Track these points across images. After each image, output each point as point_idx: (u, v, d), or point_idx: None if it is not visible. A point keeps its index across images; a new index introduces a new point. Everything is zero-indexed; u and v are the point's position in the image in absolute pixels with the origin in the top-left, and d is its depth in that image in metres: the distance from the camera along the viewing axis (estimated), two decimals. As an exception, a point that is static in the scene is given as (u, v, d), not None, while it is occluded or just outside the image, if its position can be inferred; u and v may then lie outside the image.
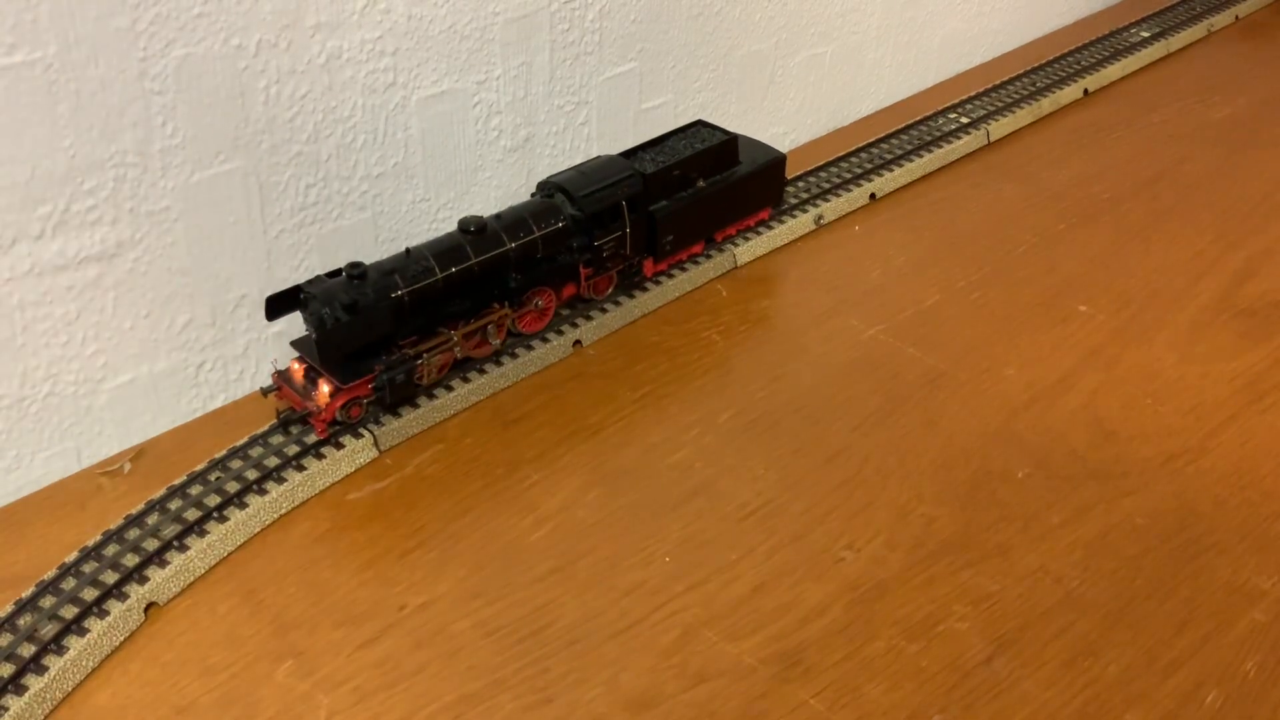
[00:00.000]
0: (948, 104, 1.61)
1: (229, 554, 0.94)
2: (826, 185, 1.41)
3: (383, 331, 1.01)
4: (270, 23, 1.02)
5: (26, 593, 0.87)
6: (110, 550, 0.91)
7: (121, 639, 0.86)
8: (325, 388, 0.99)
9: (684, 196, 1.21)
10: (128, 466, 1.04)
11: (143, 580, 0.89)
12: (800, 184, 1.41)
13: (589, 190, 1.13)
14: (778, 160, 1.30)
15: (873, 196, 1.42)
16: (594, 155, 1.36)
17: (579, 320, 1.17)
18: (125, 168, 0.99)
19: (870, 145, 1.50)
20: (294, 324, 1.04)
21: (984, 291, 1.26)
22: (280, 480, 0.98)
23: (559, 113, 1.30)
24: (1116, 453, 1.04)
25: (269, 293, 1.06)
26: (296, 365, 1.02)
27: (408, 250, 1.04)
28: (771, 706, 0.82)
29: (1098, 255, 1.32)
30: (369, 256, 1.19)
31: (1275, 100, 1.67)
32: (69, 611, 0.86)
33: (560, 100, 1.29)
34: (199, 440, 1.06)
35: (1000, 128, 1.56)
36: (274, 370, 1.03)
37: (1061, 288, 1.26)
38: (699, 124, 1.29)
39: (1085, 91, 1.68)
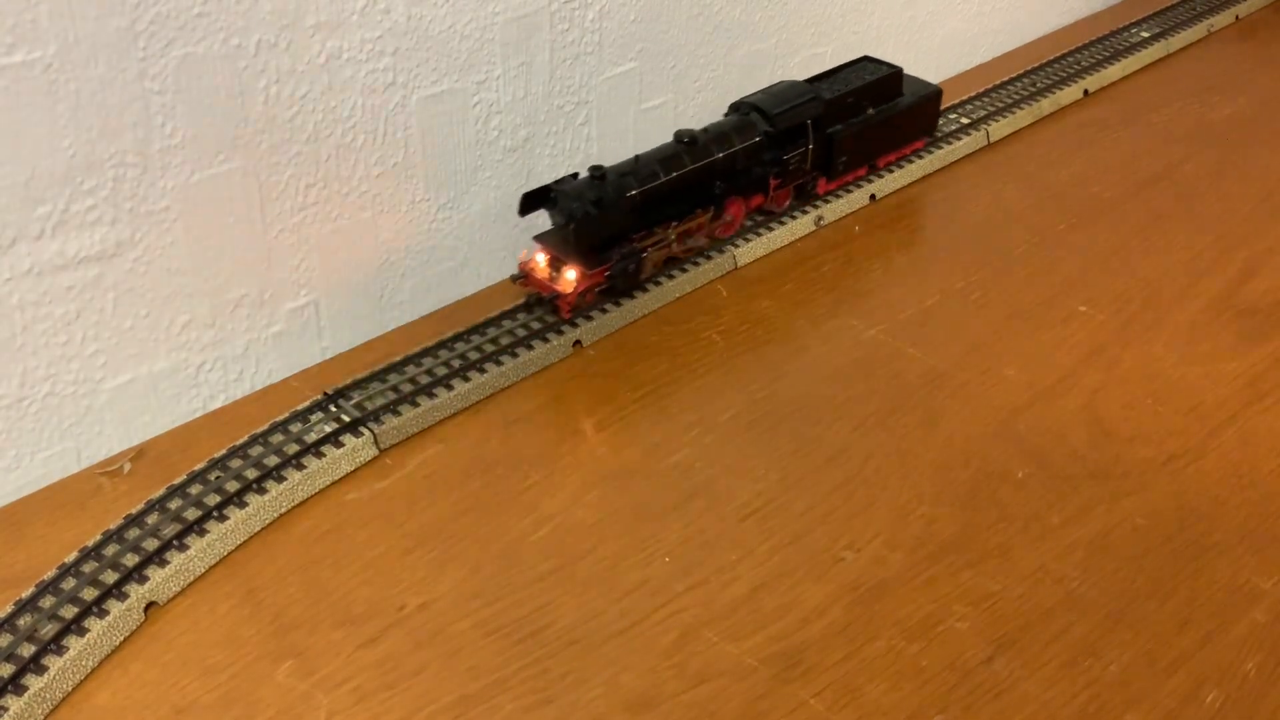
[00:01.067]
0: (947, 104, 1.61)
1: (229, 554, 0.94)
2: (827, 185, 1.41)
3: (620, 225, 1.15)
4: (270, 22, 1.02)
5: (26, 593, 0.87)
6: (110, 550, 0.91)
7: (121, 639, 0.86)
8: (571, 273, 1.13)
9: (856, 122, 1.34)
10: (127, 466, 1.03)
11: (142, 580, 0.89)
12: (800, 184, 1.42)
13: (781, 109, 1.26)
14: (935, 93, 1.43)
15: (873, 197, 1.42)
16: (592, 156, 1.36)
17: (579, 320, 1.17)
18: (125, 167, 0.98)
19: (870, 145, 1.50)
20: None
21: (984, 291, 1.26)
22: (280, 479, 0.98)
23: (559, 113, 1.30)
24: (1117, 453, 1.04)
25: (267, 293, 1.06)
26: (540, 257, 1.15)
27: (636, 157, 1.17)
28: (771, 707, 0.82)
29: (1098, 255, 1.32)
30: (370, 255, 1.19)
31: (1275, 100, 1.67)
32: (69, 611, 0.86)
33: (560, 100, 1.29)
34: (199, 440, 1.06)
35: (1000, 128, 1.56)
36: (520, 261, 1.17)
37: (1061, 288, 1.26)
38: (866, 59, 1.42)
39: (1085, 92, 1.68)
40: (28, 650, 0.82)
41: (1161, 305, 1.23)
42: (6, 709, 0.79)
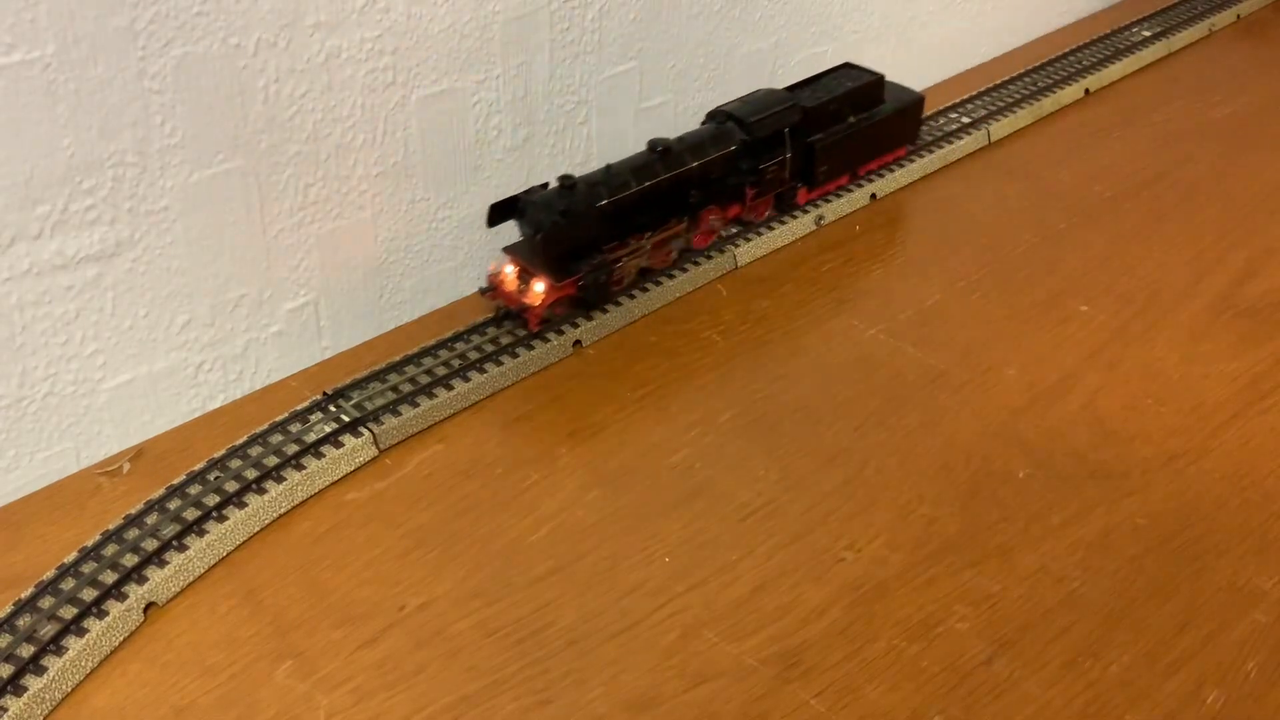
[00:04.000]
0: (948, 104, 1.61)
1: (228, 554, 0.93)
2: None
3: (590, 235, 1.13)
4: (269, 22, 1.02)
5: (25, 593, 0.87)
6: (109, 550, 0.91)
7: (121, 639, 0.86)
8: (540, 285, 1.11)
9: (837, 130, 1.33)
10: (127, 466, 1.03)
11: (142, 580, 0.89)
12: (800, 184, 1.41)
13: (757, 117, 1.24)
14: (917, 100, 1.42)
15: (873, 197, 1.41)
16: (592, 156, 1.36)
17: (579, 320, 1.17)
18: (124, 167, 0.98)
19: (870, 145, 1.50)
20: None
21: (984, 291, 1.26)
22: (280, 480, 0.98)
23: (559, 112, 1.30)
24: (1117, 453, 1.04)
25: (267, 293, 1.06)
26: (509, 268, 1.14)
27: (608, 166, 1.16)
28: (771, 707, 0.82)
29: (1099, 255, 1.32)
30: (370, 255, 1.19)
31: (1276, 100, 1.67)
32: (68, 612, 0.85)
33: (560, 100, 1.29)
34: (198, 440, 1.06)
35: (1001, 127, 1.56)
36: (489, 272, 1.16)
37: (1062, 288, 1.26)
38: (847, 65, 1.40)
39: (1086, 91, 1.68)
40: (27, 651, 0.82)
41: (1162, 305, 1.23)
42: (6, 709, 0.79)
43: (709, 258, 1.27)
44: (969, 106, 1.60)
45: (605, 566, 0.93)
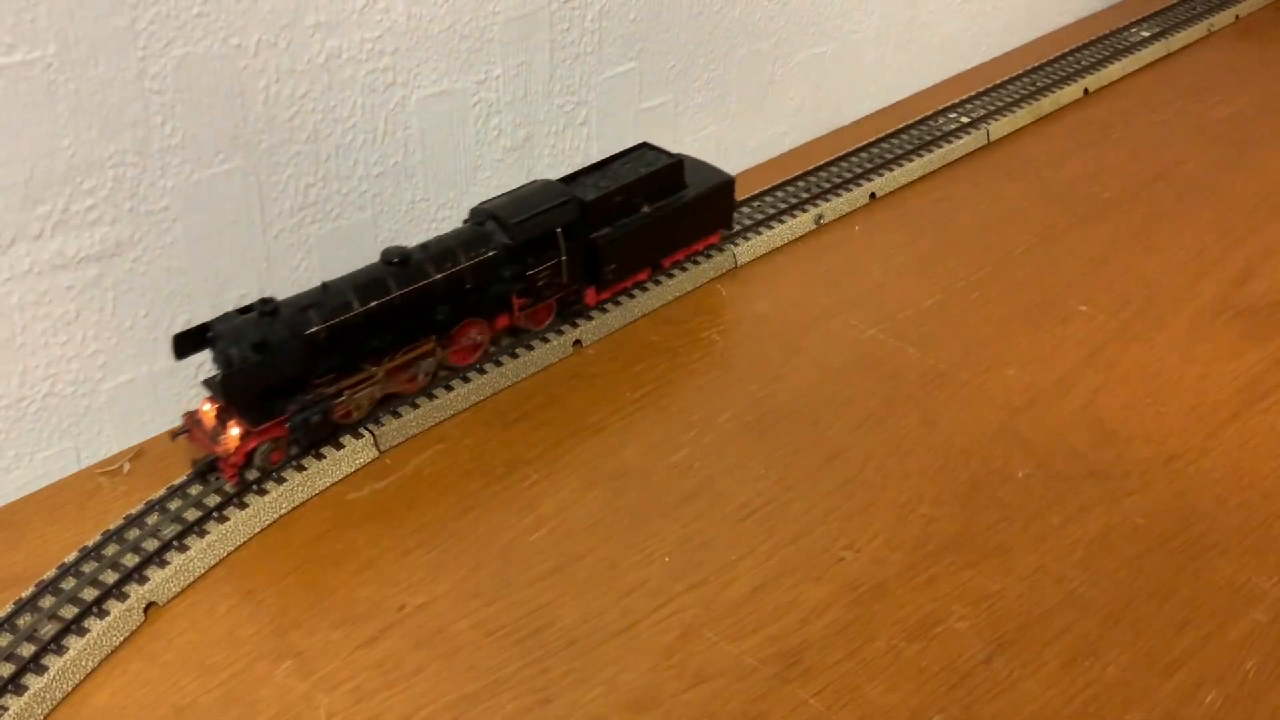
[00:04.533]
0: (948, 104, 1.61)
1: (229, 554, 0.93)
2: (826, 185, 1.41)
3: (296, 370, 0.96)
4: (270, 22, 1.02)
5: (26, 592, 0.87)
6: (110, 550, 0.91)
7: (121, 639, 0.86)
8: (234, 430, 0.94)
9: (627, 223, 1.16)
10: (127, 466, 1.03)
11: (142, 580, 0.89)
12: (800, 184, 1.41)
13: (522, 217, 1.08)
14: (726, 183, 1.25)
15: (873, 196, 1.42)
16: (592, 156, 1.36)
17: (579, 320, 1.17)
18: (124, 167, 0.98)
19: (870, 145, 1.50)
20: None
21: (984, 291, 1.26)
22: (280, 480, 0.98)
23: (559, 112, 1.30)
24: (1117, 453, 1.04)
25: (267, 293, 1.05)
26: (208, 406, 0.96)
27: (324, 285, 0.98)
28: (771, 706, 0.82)
29: (1098, 255, 1.32)
30: (369, 255, 1.19)
31: (1275, 100, 1.67)
32: (68, 611, 0.85)
33: (560, 100, 1.29)
34: (198, 440, 1.06)
35: (1000, 127, 1.56)
36: (185, 411, 0.97)
37: (1062, 288, 1.26)
38: (644, 146, 1.23)
39: (1085, 91, 1.68)
40: (28, 650, 0.82)
41: (1162, 305, 1.23)
42: (6, 709, 0.79)
43: (709, 257, 1.27)
44: (969, 106, 1.60)
45: (605, 566, 0.93)
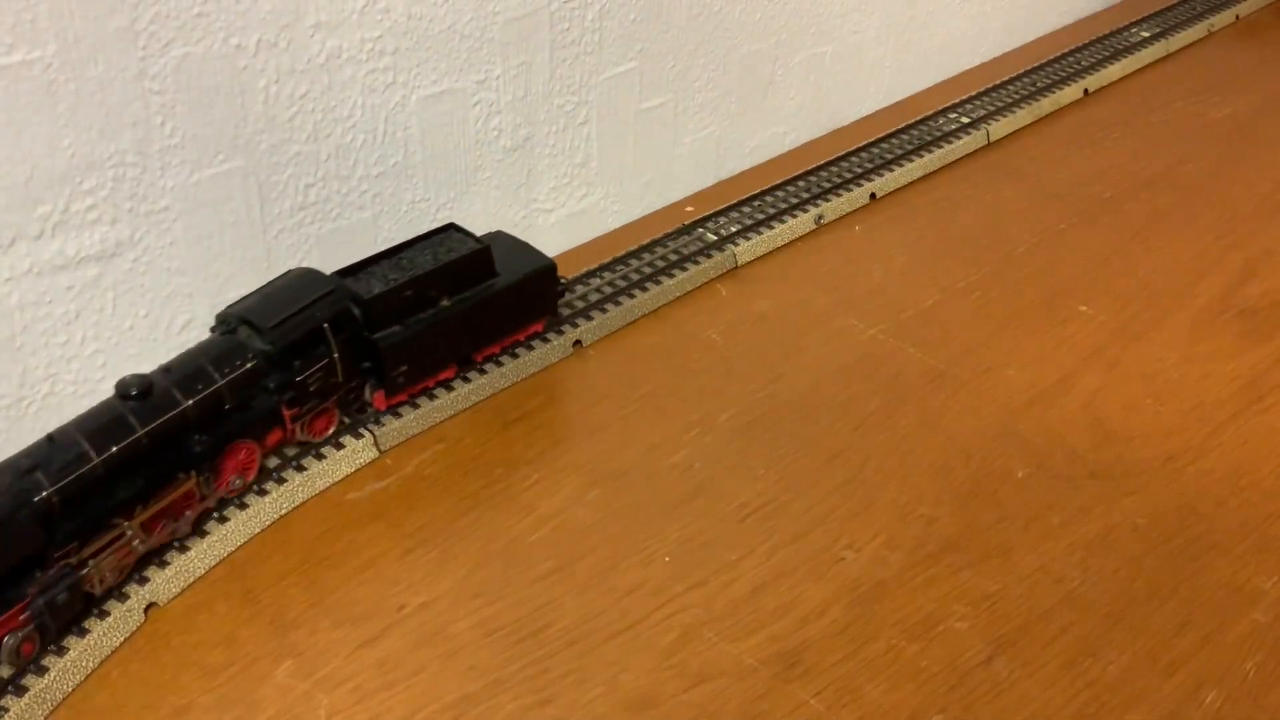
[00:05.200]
0: (948, 104, 1.61)
1: (229, 554, 0.93)
2: (826, 185, 1.41)
3: (28, 549, 0.80)
4: (270, 22, 1.02)
5: (26, 593, 0.87)
6: (110, 550, 0.91)
7: (121, 639, 0.86)
8: None
9: (421, 320, 1.03)
10: (127, 466, 1.03)
11: (142, 581, 0.89)
12: (800, 184, 1.41)
13: (279, 317, 0.95)
14: (546, 269, 1.12)
15: (873, 196, 1.42)
16: (592, 156, 1.35)
17: (579, 321, 1.17)
18: (124, 167, 0.98)
19: (870, 145, 1.50)
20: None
21: (984, 291, 1.26)
22: (280, 480, 0.98)
23: (559, 112, 1.30)
24: (1117, 453, 1.04)
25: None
26: None
27: (50, 436, 0.83)
28: (771, 707, 0.82)
29: (1098, 255, 1.32)
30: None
31: (1275, 100, 1.67)
32: (68, 612, 0.85)
33: (560, 100, 1.29)
34: (198, 440, 1.05)
35: (1000, 128, 1.56)
36: None
37: (1062, 288, 1.26)
38: (450, 229, 1.10)
39: (1085, 91, 1.68)
40: (27, 650, 0.82)
41: (1162, 305, 1.23)
42: (7, 710, 0.79)
43: (709, 256, 1.27)
44: (969, 106, 1.61)
45: (605, 566, 0.93)
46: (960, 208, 1.41)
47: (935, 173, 1.48)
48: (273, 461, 0.99)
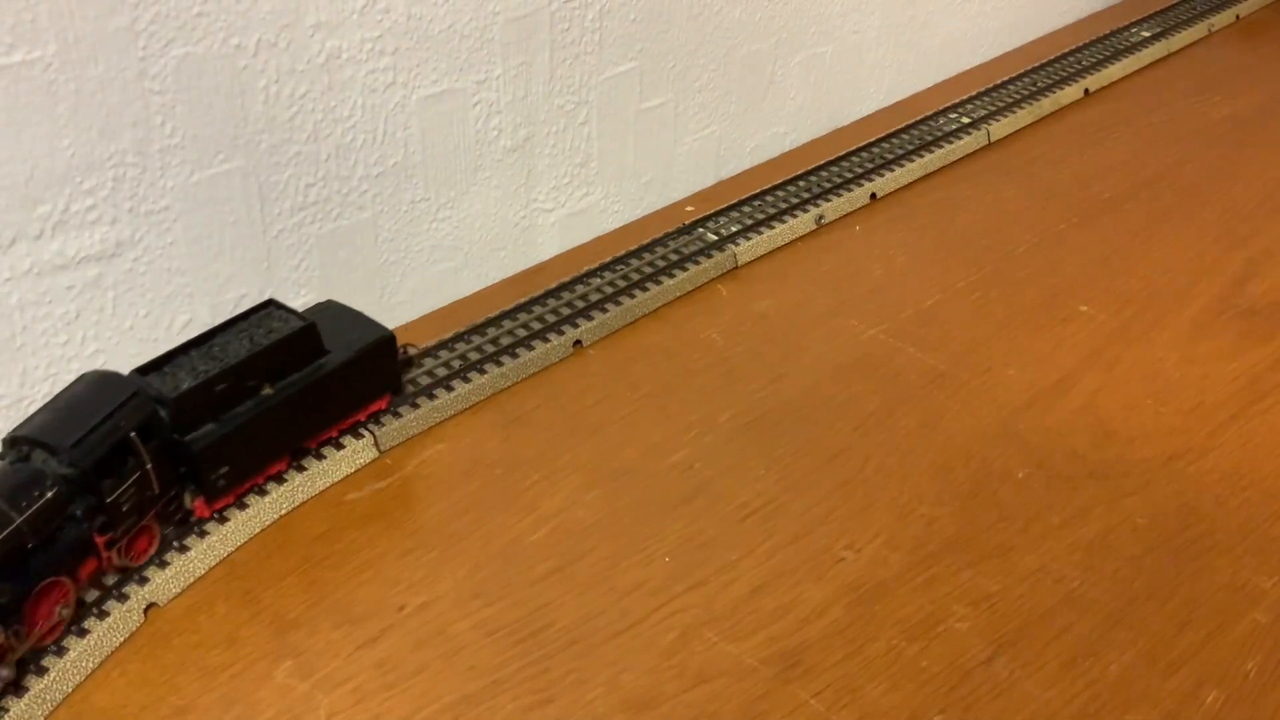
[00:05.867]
0: (948, 104, 1.61)
1: (229, 554, 0.93)
2: (826, 185, 1.41)
3: None
4: (270, 22, 1.02)
5: (26, 593, 0.87)
6: (109, 550, 0.91)
7: (121, 640, 0.86)
8: None
9: (239, 414, 0.92)
10: (127, 466, 1.03)
11: (142, 581, 0.89)
12: (800, 184, 1.41)
13: (77, 435, 0.82)
14: (383, 341, 1.02)
15: (873, 196, 1.42)
16: (592, 156, 1.35)
17: (579, 320, 1.17)
18: (125, 167, 0.98)
19: (870, 145, 1.50)
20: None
21: (984, 291, 1.26)
22: (280, 480, 0.98)
23: (559, 112, 1.30)
24: (1117, 453, 1.04)
25: (268, 293, 1.05)
26: None
27: None
28: (771, 707, 0.82)
29: (1098, 255, 1.32)
30: (370, 255, 1.19)
31: (1275, 100, 1.67)
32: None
33: (560, 100, 1.29)
34: (198, 440, 1.05)
35: (1001, 128, 1.56)
36: None
37: (1062, 288, 1.26)
38: (270, 306, 0.99)
39: (1086, 91, 1.68)
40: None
41: (1162, 305, 1.23)
42: (7, 710, 0.79)
43: (709, 256, 1.27)
44: (969, 106, 1.60)
45: (605, 566, 0.93)
46: (960, 208, 1.41)
47: (935, 173, 1.48)
48: (273, 461, 0.99)
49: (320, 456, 1.00)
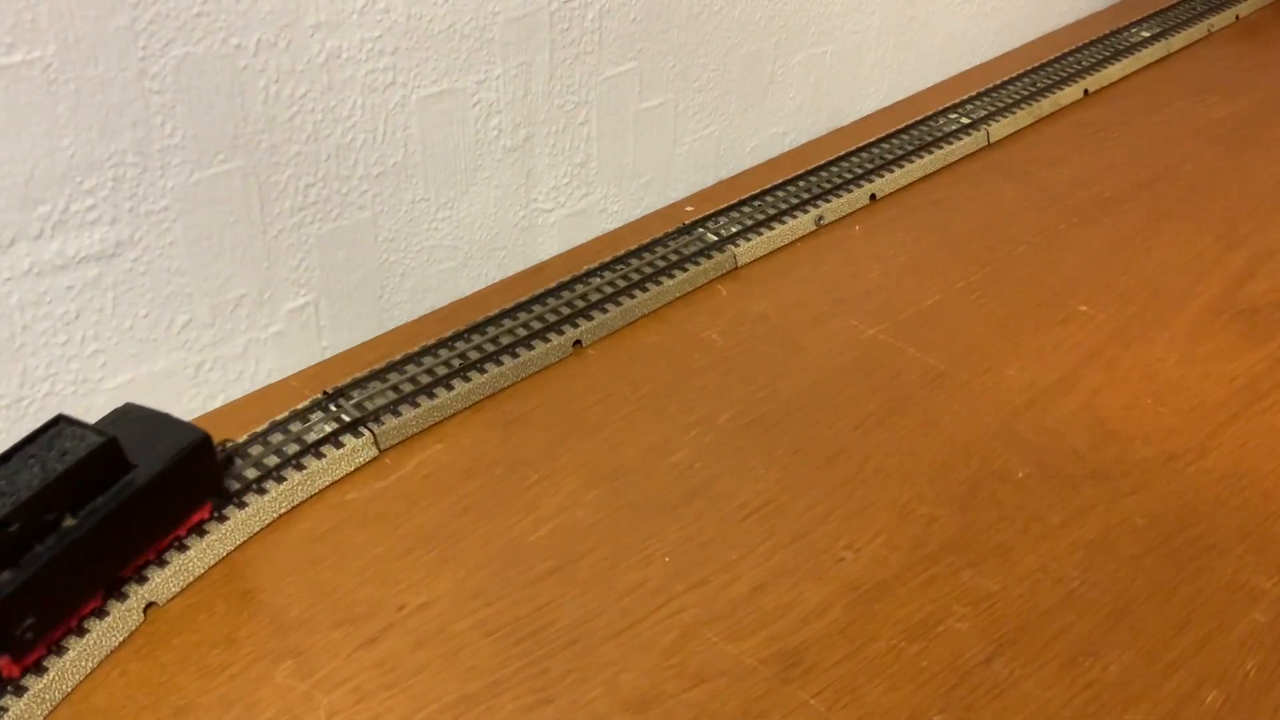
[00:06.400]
0: (948, 104, 1.61)
1: (228, 554, 0.93)
2: (826, 185, 1.41)
3: None
4: (269, 22, 1.02)
5: (25, 593, 0.87)
6: (109, 550, 0.90)
7: (120, 639, 0.86)
8: None
9: (39, 554, 0.80)
10: (127, 466, 1.03)
11: (141, 580, 0.89)
12: (800, 184, 1.41)
13: None
14: (198, 444, 0.91)
15: (873, 197, 1.42)
16: (592, 156, 1.35)
17: (579, 320, 1.17)
18: (124, 167, 0.98)
19: (870, 145, 1.50)
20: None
21: (984, 291, 1.26)
22: (280, 480, 0.98)
23: (559, 112, 1.30)
24: (1117, 453, 1.04)
25: (269, 291, 1.05)
26: None
27: None
28: (771, 706, 0.82)
29: (1098, 255, 1.32)
30: (369, 255, 1.19)
31: (1275, 100, 1.67)
32: (68, 612, 0.85)
33: (560, 100, 1.29)
34: (198, 440, 1.05)
35: (1000, 128, 1.56)
36: None
37: (1062, 288, 1.26)
38: (60, 423, 0.86)
39: (1085, 92, 1.68)
40: (27, 650, 0.82)
41: (1162, 305, 1.23)
42: (6, 709, 0.79)
43: (709, 256, 1.27)
44: (969, 107, 1.60)
45: (605, 566, 0.93)
46: (960, 208, 1.41)
47: (935, 173, 1.48)
48: (272, 460, 0.99)
49: (320, 456, 1.00)
